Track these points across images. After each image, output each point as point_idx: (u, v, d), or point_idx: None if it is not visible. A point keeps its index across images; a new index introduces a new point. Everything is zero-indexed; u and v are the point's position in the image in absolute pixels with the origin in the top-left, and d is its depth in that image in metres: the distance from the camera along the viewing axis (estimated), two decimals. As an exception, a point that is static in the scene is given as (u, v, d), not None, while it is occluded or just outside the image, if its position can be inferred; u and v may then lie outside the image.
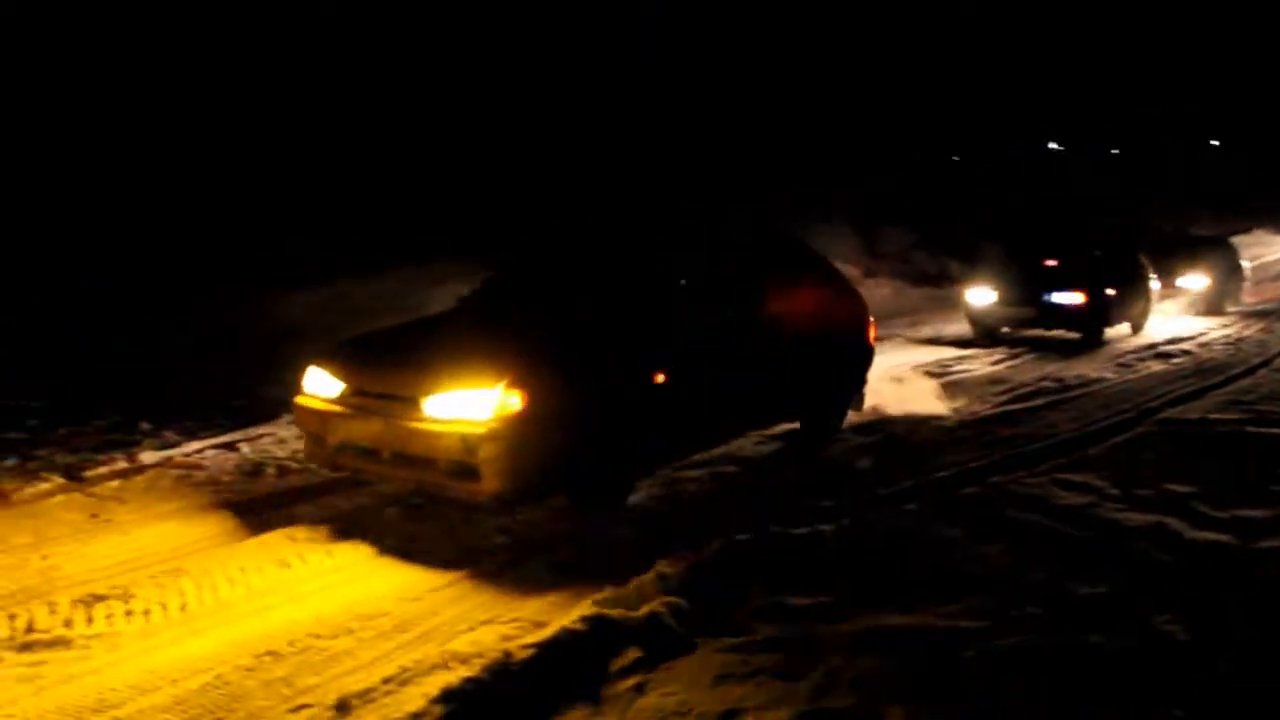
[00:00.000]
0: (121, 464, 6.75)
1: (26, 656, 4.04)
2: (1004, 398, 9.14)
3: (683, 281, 6.32)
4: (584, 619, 3.89)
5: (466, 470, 5.06)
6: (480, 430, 4.99)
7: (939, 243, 19.20)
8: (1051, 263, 13.61)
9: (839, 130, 20.05)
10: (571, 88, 16.83)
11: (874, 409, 8.19)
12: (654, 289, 6.27)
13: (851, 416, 7.80)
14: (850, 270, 17.26)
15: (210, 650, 4.09)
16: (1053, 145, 35.26)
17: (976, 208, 21.84)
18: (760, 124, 19.49)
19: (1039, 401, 8.89)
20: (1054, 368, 10.85)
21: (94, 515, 5.79)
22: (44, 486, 6.26)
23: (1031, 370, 10.77)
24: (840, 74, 20.98)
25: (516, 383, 5.09)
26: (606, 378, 5.62)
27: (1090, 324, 12.81)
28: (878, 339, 11.33)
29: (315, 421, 5.74)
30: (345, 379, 5.68)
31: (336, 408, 5.61)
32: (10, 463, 6.76)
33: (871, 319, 7.93)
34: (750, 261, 6.94)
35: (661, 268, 6.46)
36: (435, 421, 5.14)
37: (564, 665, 3.65)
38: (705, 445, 6.61)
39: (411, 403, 5.25)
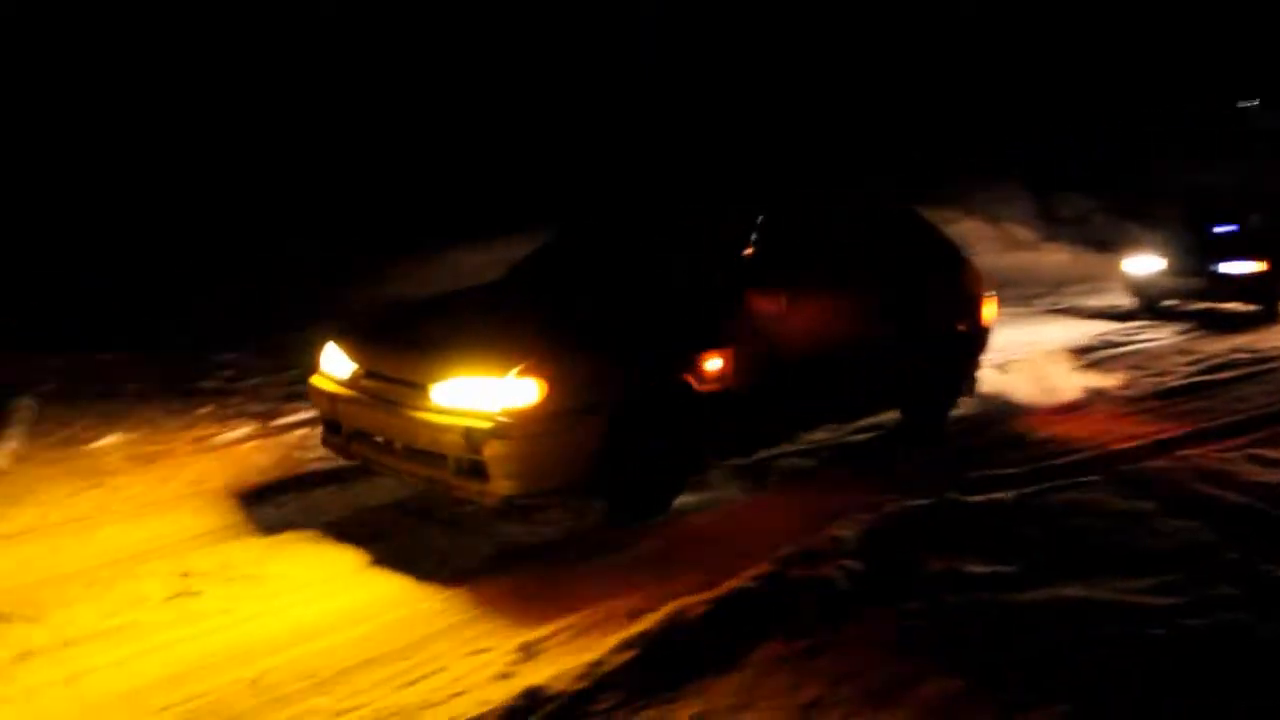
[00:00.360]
0: (307, 414, 7.07)
1: (225, 590, 4.29)
2: (1191, 369, 8.67)
3: (746, 253, 5.56)
4: (757, 578, 3.89)
5: (474, 468, 4.50)
6: (486, 424, 4.42)
7: (1121, 208, 18.32)
8: (1224, 229, 12.73)
9: (1015, 92, 19.23)
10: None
11: (1042, 379, 7.89)
12: (708, 265, 5.60)
13: (1017, 392, 7.47)
14: (1024, 234, 16.68)
15: (395, 593, 4.29)
16: (1246, 103, 33.11)
17: (1160, 172, 20.73)
18: (905, 87, 18.86)
19: (1230, 374, 8.40)
20: (1245, 339, 10.24)
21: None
22: (237, 433, 6.61)
23: (1219, 342, 10.19)
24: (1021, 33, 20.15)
25: (533, 370, 4.50)
26: (647, 365, 4.96)
27: (1270, 295, 11.94)
28: (1054, 309, 10.85)
29: (327, 405, 5.23)
30: (358, 359, 5.14)
31: (347, 391, 5.08)
32: (207, 409, 7.17)
33: (989, 295, 7.03)
34: (829, 233, 6.15)
35: (717, 242, 5.74)
36: (442, 411, 4.58)
37: (737, 623, 3.66)
38: (774, 440, 5.93)
39: (420, 389, 4.69)
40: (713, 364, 5.09)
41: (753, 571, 4.00)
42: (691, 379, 5.01)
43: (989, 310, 7.01)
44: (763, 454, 5.91)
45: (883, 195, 7.95)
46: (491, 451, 4.41)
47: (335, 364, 5.25)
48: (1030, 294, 13.04)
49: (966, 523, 4.65)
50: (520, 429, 4.43)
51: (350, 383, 5.09)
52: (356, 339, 5.33)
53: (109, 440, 6.51)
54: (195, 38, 14.08)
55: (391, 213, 13.41)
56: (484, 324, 5.23)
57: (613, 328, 5.08)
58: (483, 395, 4.49)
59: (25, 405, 7.30)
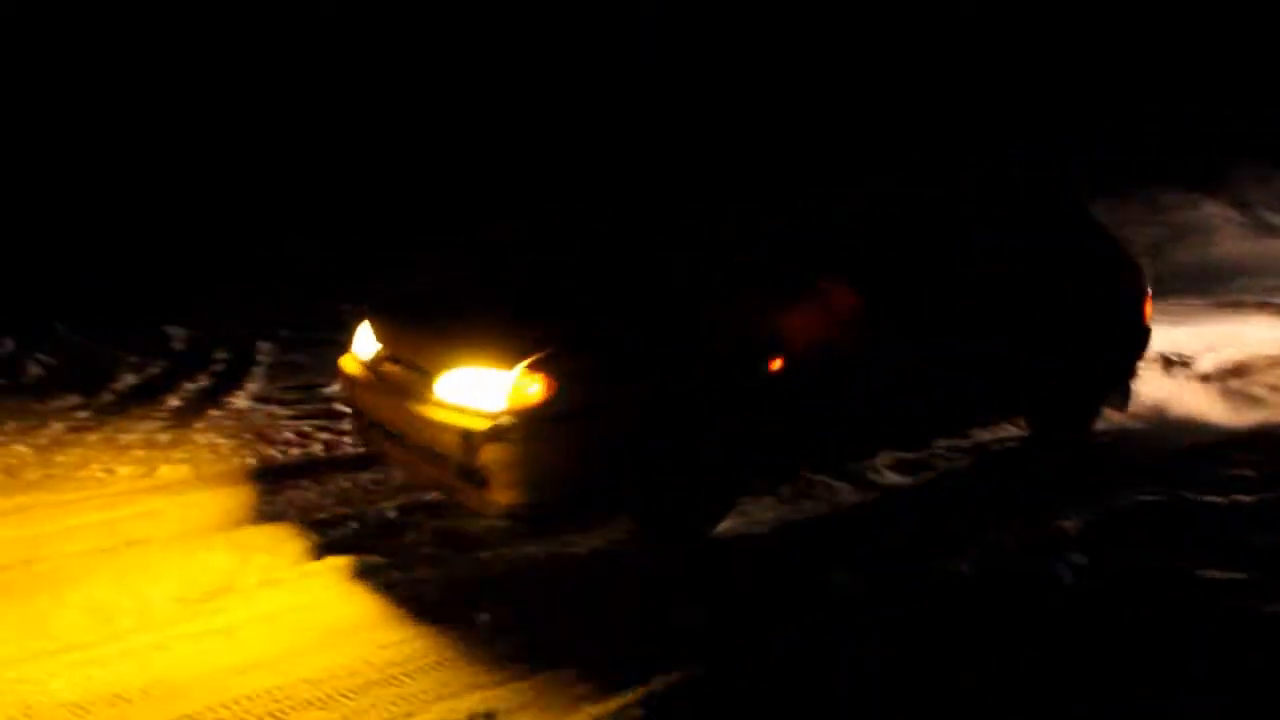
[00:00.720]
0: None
1: (445, 534, 4.48)
2: None
3: (816, 241, 4.71)
4: (973, 562, 3.80)
5: (474, 474, 3.98)
6: (483, 425, 3.89)
7: None
8: None
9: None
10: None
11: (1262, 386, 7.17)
12: (768, 255, 4.65)
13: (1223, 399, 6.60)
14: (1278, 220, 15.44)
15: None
16: None
17: None
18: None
19: None
20: None
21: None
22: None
23: None
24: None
25: (544, 365, 3.91)
26: (684, 364, 4.22)
27: None
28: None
29: (348, 388, 4.83)
30: (383, 339, 4.65)
31: (366, 374, 4.63)
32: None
33: (1145, 292, 5.90)
34: (931, 216, 5.15)
35: (782, 229, 4.86)
36: (443, 407, 4.07)
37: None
38: (854, 454, 5.12)
39: (427, 379, 4.18)
40: (777, 367, 4.34)
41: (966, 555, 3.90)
42: (742, 383, 4.32)
43: (1148, 303, 5.94)
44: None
45: (1024, 172, 6.42)
46: (489, 456, 3.91)
47: (363, 344, 4.78)
48: (1274, 286, 12.09)
49: (1199, 524, 4.39)
50: (523, 432, 3.88)
51: (371, 365, 4.63)
52: (386, 317, 4.84)
53: (339, 386, 6.87)
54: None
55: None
56: (511, 308, 4.63)
57: (648, 323, 4.34)
58: (485, 390, 3.96)
59: (264, 350, 7.81)
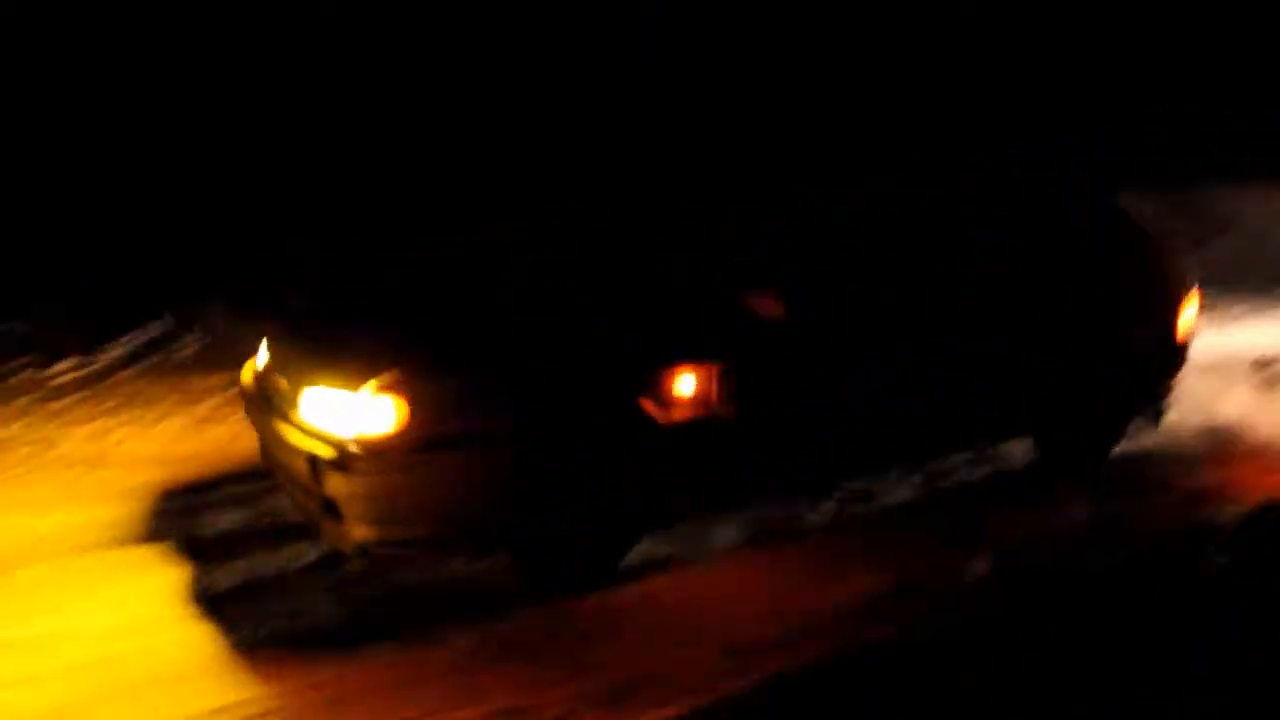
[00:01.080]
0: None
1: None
2: None
3: (744, 242, 4.11)
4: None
5: (328, 505, 3.52)
6: (328, 453, 3.45)
7: None
8: None
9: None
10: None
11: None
12: (688, 257, 4.07)
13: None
14: None
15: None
16: None
17: None
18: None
19: None
20: None
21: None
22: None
23: None
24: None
25: (396, 385, 3.44)
26: (576, 383, 3.66)
27: None
28: None
29: (244, 401, 4.33)
30: (273, 350, 4.16)
31: (254, 386, 4.16)
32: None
33: (1184, 302, 5.12)
34: (890, 213, 4.46)
35: (701, 229, 4.27)
36: (299, 429, 3.62)
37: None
38: (780, 489, 4.38)
39: (294, 395, 3.70)
40: (683, 384, 3.77)
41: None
42: (648, 403, 3.74)
43: (1186, 314, 5.16)
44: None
45: (1030, 168, 5.51)
46: (336, 488, 3.46)
47: (261, 353, 4.31)
48: None
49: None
50: (372, 462, 3.42)
51: (260, 377, 4.17)
52: (281, 324, 4.36)
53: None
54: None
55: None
56: (383, 316, 4.10)
57: (532, 333, 3.76)
58: (334, 412, 3.50)
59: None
